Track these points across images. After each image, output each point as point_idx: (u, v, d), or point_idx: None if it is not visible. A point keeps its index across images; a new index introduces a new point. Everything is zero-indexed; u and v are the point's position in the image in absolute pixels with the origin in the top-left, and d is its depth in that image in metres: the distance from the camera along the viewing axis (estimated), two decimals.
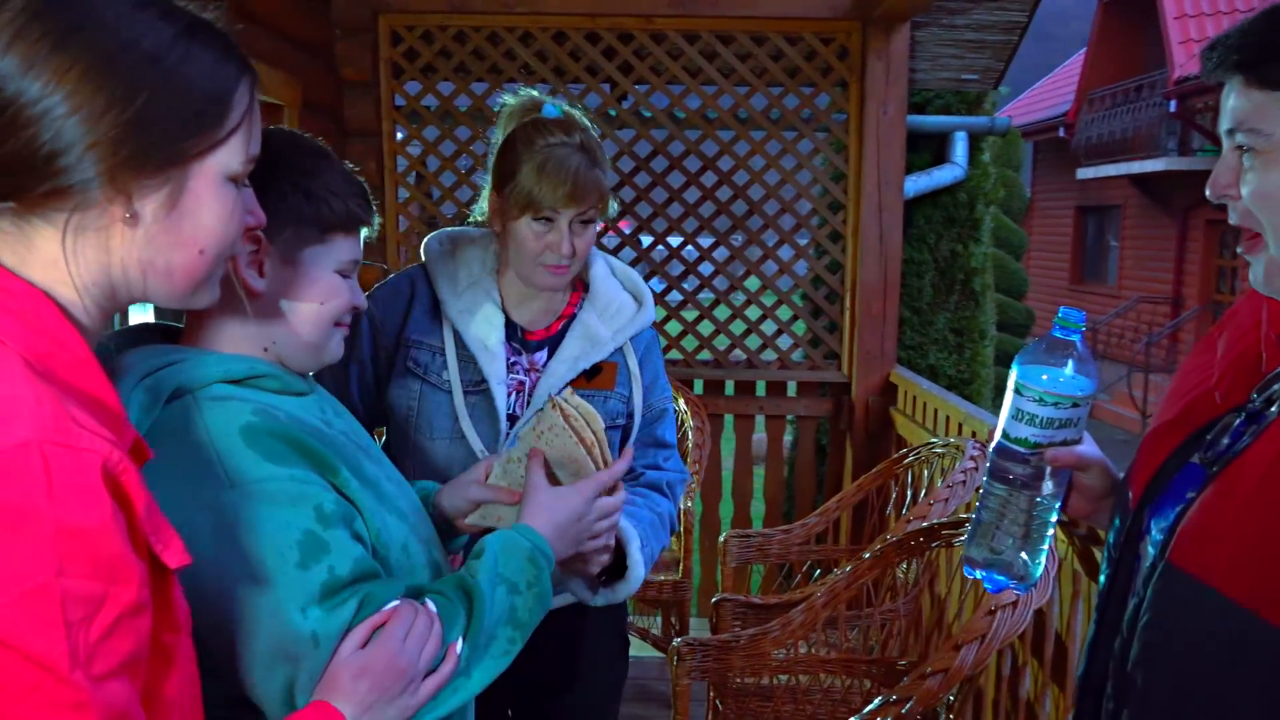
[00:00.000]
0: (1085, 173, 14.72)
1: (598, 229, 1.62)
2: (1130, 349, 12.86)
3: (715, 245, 3.81)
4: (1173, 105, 12.44)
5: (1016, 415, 1.12)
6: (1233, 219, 0.98)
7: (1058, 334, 1.11)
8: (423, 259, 1.69)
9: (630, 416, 1.69)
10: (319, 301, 1.12)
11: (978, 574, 1.19)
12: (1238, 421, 0.98)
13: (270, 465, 1.03)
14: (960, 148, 4.98)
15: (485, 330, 1.61)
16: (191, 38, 0.82)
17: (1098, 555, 2.30)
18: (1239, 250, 1.01)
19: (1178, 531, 0.95)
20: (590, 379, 1.65)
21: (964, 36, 4.04)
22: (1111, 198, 15.25)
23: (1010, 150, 13.02)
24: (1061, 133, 15.57)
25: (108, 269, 0.81)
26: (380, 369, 1.66)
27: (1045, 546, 1.17)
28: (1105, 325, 13.86)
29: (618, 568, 1.52)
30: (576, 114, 1.63)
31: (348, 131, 3.58)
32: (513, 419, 1.63)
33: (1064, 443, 1.12)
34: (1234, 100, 0.95)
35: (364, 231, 1.17)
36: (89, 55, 0.77)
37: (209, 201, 0.84)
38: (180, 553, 0.78)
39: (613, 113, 3.83)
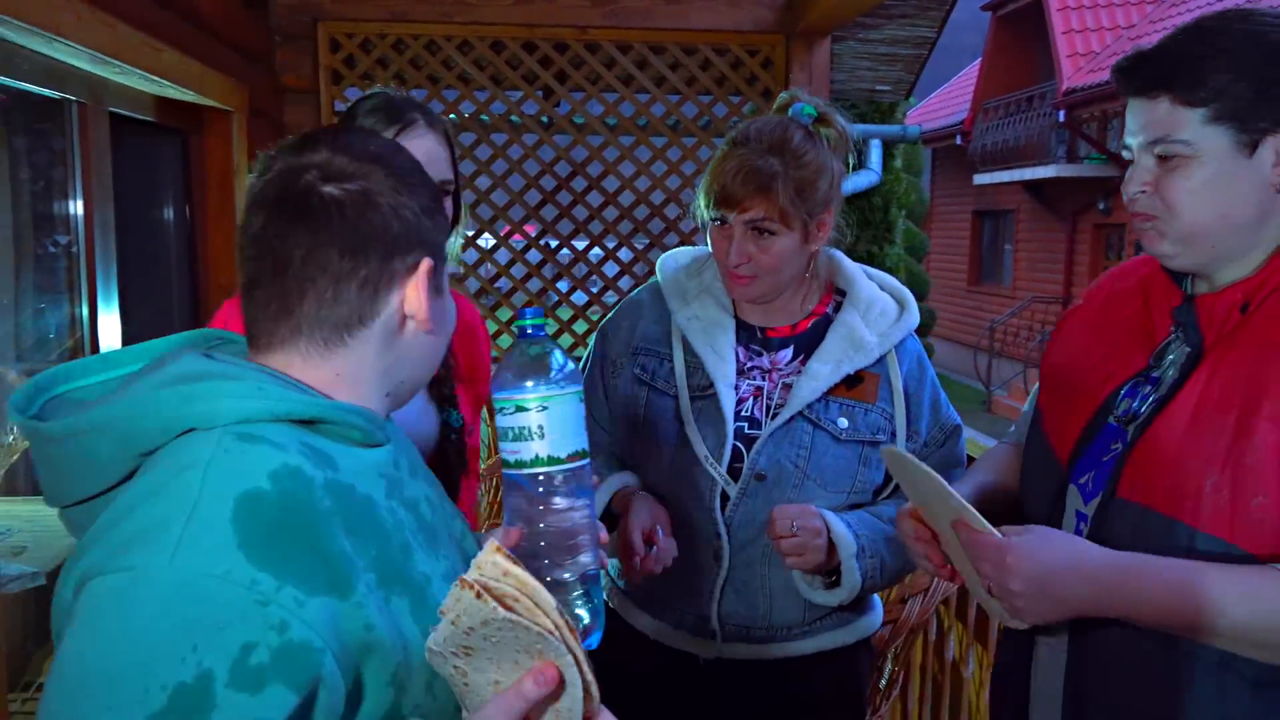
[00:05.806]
0: (981, 179, 15.40)
1: (779, 241, 1.48)
2: (1025, 347, 13.50)
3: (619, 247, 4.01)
4: (1061, 115, 13.14)
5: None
6: (1138, 207, 1.13)
7: (531, 337, 1.00)
8: (657, 276, 1.66)
9: (892, 436, 1.54)
10: (449, 329, 0.96)
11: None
12: (1144, 387, 1.17)
13: (238, 556, 0.70)
14: (875, 154, 5.24)
15: (713, 332, 1.54)
16: None
17: None
18: (1138, 226, 1.15)
19: (1121, 473, 1.13)
20: (850, 388, 1.53)
21: (878, 50, 4.30)
22: (1006, 203, 15.98)
23: (913, 156, 13.51)
24: (959, 140, 16.24)
25: None
26: (608, 382, 1.63)
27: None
28: (1002, 325, 14.51)
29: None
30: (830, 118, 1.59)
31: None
32: (752, 423, 1.52)
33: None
34: (1158, 114, 1.08)
35: None
36: None
37: None
38: None
39: (546, 120, 3.97)
